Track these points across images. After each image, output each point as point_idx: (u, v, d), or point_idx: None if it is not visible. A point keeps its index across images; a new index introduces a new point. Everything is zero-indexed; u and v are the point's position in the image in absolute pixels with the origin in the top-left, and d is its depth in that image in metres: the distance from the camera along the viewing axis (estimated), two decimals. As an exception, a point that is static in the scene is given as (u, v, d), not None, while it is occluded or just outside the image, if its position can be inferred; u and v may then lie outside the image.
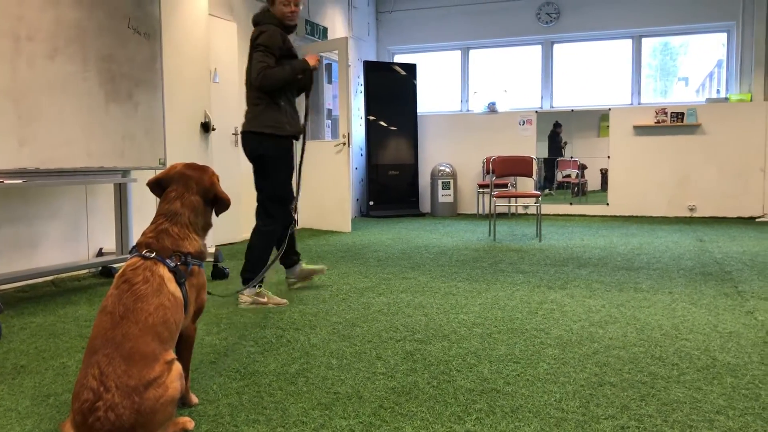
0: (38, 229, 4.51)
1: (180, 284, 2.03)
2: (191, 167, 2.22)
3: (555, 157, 9.63)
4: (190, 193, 2.15)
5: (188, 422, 2.01)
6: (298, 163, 4.14)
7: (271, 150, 3.80)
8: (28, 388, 2.42)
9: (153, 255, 2.02)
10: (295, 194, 4.00)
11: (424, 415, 2.11)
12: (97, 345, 1.84)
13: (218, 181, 2.25)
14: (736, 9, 8.83)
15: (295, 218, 3.95)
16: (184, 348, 2.18)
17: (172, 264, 2.03)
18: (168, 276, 2.00)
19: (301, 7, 3.81)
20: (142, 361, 1.83)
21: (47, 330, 3.27)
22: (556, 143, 9.62)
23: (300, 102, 4.09)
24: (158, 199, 2.19)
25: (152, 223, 2.12)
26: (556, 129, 9.59)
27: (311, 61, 3.82)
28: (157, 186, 2.20)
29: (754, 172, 8.74)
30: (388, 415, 2.12)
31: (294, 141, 3.90)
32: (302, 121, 3.99)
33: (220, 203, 2.23)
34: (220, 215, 2.28)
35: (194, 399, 2.24)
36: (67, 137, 4.07)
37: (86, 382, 1.79)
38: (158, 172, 2.56)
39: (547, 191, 9.72)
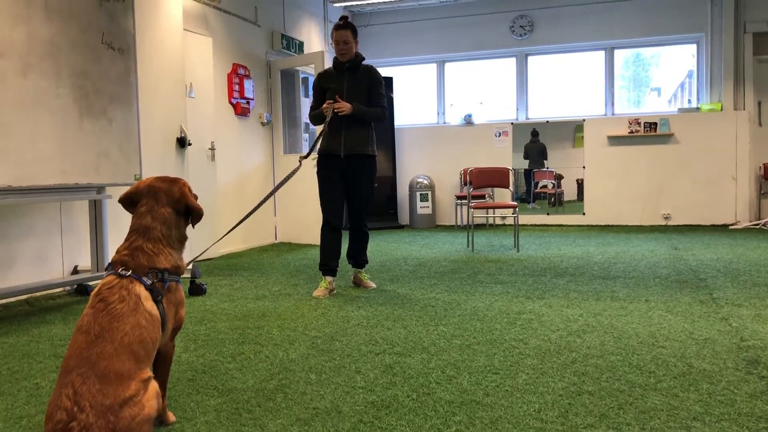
0: (12, 247, 4.44)
1: (157, 302, 2.00)
2: (160, 179, 2.16)
3: (538, 167, 9.71)
4: (160, 206, 2.10)
5: None
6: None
7: (318, 165, 4.63)
8: (0, 410, 2.38)
9: (129, 273, 1.98)
10: (328, 206, 4.59)
11: (404, 428, 2.11)
12: (72, 365, 1.81)
13: (190, 191, 2.20)
14: (705, 21, 9.01)
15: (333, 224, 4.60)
16: (162, 364, 2.15)
17: (149, 282, 1.99)
18: (144, 294, 1.97)
19: (345, 45, 4.48)
20: (118, 380, 1.80)
21: (20, 350, 3.21)
22: (536, 150, 9.69)
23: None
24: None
25: (126, 240, 2.07)
26: (534, 138, 9.68)
27: (325, 107, 4.48)
28: (128, 202, 2.15)
29: (726, 180, 8.89)
30: (368, 429, 2.11)
31: (337, 156, 4.52)
32: (324, 140, 4.59)
33: (193, 214, 2.16)
34: (197, 229, 2.25)
35: (171, 417, 2.21)
36: (41, 154, 4.02)
37: (60, 402, 1.75)
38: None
39: (531, 206, 9.77)
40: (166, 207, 2.11)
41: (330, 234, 4.58)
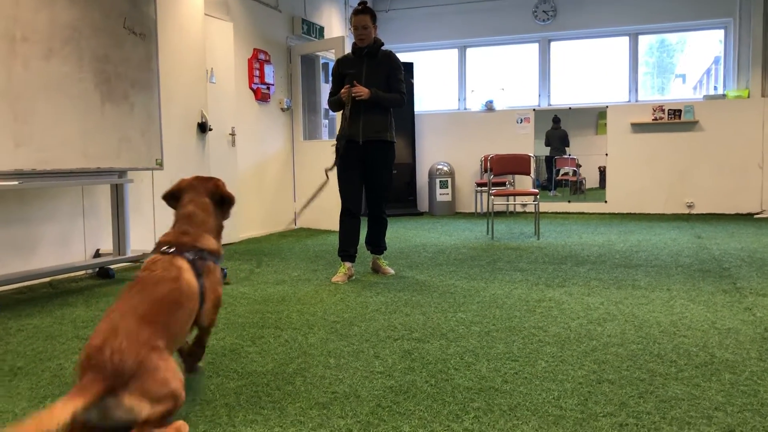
0: (35, 230, 4.50)
1: (197, 276, 2.20)
2: (197, 178, 2.49)
3: (559, 154, 9.62)
4: (200, 197, 2.40)
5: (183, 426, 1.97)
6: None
7: (336, 151, 4.57)
8: (24, 390, 2.42)
9: (173, 250, 2.20)
10: (347, 193, 4.59)
11: (422, 413, 2.11)
12: (113, 309, 1.97)
13: (223, 185, 2.50)
14: (733, 6, 8.83)
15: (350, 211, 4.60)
16: (203, 333, 2.40)
17: (191, 257, 2.21)
18: (186, 267, 2.18)
19: (365, 30, 4.45)
20: (152, 328, 1.92)
21: (44, 332, 3.26)
22: (558, 137, 9.60)
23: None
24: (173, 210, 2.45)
25: (172, 227, 2.34)
26: (556, 124, 9.58)
27: (343, 92, 4.46)
28: (171, 197, 2.46)
29: (752, 168, 8.74)
30: (386, 414, 2.11)
31: (356, 143, 4.49)
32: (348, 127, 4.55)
33: (226, 201, 2.47)
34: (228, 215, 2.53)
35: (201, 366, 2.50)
36: (63, 138, 4.06)
37: (99, 328, 1.88)
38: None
39: (552, 193, 9.69)
40: (205, 198, 2.41)
41: (349, 221, 4.58)
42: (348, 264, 4.58)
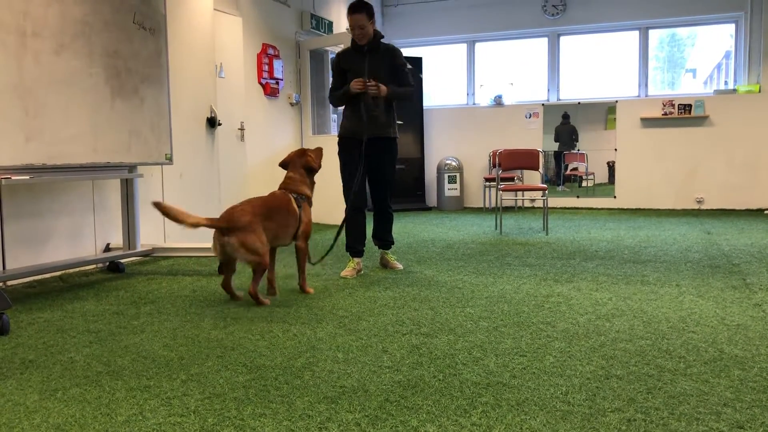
0: (45, 224, 4.53)
1: (298, 206, 3.86)
2: (296, 153, 4.10)
3: (568, 149, 9.58)
4: (297, 167, 4.04)
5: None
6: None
7: (339, 147, 4.64)
8: (35, 382, 2.44)
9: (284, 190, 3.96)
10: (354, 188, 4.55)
11: (430, 408, 2.11)
12: (242, 204, 3.71)
13: (313, 155, 4.07)
14: (744, 0, 8.76)
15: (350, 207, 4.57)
16: (299, 258, 3.96)
17: (295, 196, 3.89)
18: (292, 199, 3.88)
19: (362, 30, 4.40)
20: (264, 218, 3.68)
21: (55, 325, 3.28)
22: (567, 132, 9.56)
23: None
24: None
25: (283, 181, 4.01)
26: (565, 120, 9.54)
27: (353, 86, 4.39)
28: (283, 165, 4.12)
29: (763, 163, 8.68)
30: (394, 408, 2.12)
31: (359, 140, 4.48)
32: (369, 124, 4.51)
33: (312, 169, 4.08)
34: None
35: (309, 290, 3.97)
36: (74, 133, 4.08)
37: (232, 207, 3.68)
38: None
39: (560, 188, 9.66)
40: (301, 168, 4.03)
41: (355, 217, 4.58)
42: (357, 259, 4.59)
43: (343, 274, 4.47)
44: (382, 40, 4.53)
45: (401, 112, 9.86)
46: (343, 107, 4.65)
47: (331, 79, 4.93)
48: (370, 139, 4.45)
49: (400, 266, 4.76)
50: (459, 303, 3.59)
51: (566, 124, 9.58)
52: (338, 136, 4.65)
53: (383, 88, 4.36)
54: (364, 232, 4.64)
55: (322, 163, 4.10)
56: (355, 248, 4.60)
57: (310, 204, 3.95)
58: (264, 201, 3.73)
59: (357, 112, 4.46)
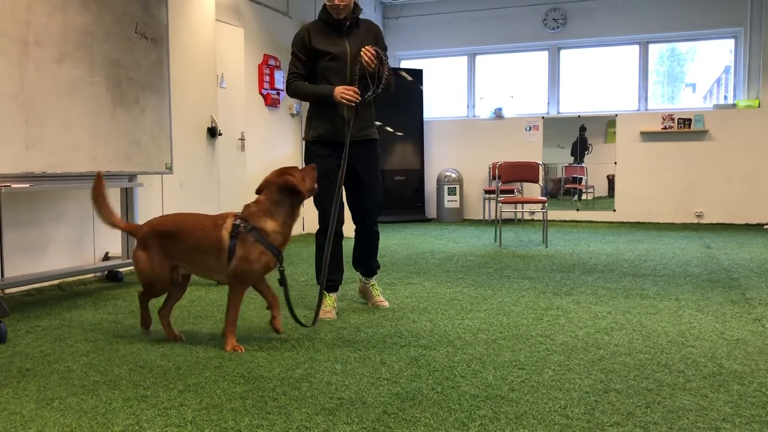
0: (45, 233, 4.53)
1: (234, 236, 2.92)
2: (275, 172, 3.07)
3: (579, 162, 9.56)
4: (273, 190, 3.01)
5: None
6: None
7: (306, 154, 3.73)
8: (32, 391, 2.43)
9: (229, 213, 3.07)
10: (327, 206, 3.57)
11: (428, 421, 2.11)
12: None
13: (297, 176, 3.01)
14: (744, 15, 8.80)
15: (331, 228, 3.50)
16: (228, 302, 3.01)
17: (237, 222, 2.95)
18: (228, 227, 2.95)
19: (345, 2, 3.53)
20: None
21: (53, 334, 3.27)
22: (582, 146, 9.56)
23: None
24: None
25: (245, 206, 3.07)
26: (582, 133, 9.51)
27: (337, 94, 3.46)
28: (258, 190, 3.08)
29: (762, 178, 8.70)
30: (392, 421, 2.11)
31: (337, 144, 3.56)
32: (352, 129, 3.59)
33: (292, 192, 3.00)
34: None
35: (239, 348, 2.94)
36: (74, 141, 4.09)
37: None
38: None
39: (575, 199, 9.61)
40: (274, 194, 3.00)
41: (334, 242, 3.54)
42: (334, 295, 3.70)
43: (323, 316, 3.50)
44: (360, 16, 3.69)
45: (400, 124, 9.97)
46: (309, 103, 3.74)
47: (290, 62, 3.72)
48: (351, 143, 3.53)
49: (386, 304, 3.83)
50: (458, 315, 3.59)
51: (583, 139, 9.55)
52: (306, 141, 3.71)
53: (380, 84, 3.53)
54: (342, 260, 3.79)
55: (315, 186, 3.11)
56: (333, 281, 3.71)
57: (263, 239, 2.91)
58: (182, 219, 3.08)
59: (337, 112, 3.57)
